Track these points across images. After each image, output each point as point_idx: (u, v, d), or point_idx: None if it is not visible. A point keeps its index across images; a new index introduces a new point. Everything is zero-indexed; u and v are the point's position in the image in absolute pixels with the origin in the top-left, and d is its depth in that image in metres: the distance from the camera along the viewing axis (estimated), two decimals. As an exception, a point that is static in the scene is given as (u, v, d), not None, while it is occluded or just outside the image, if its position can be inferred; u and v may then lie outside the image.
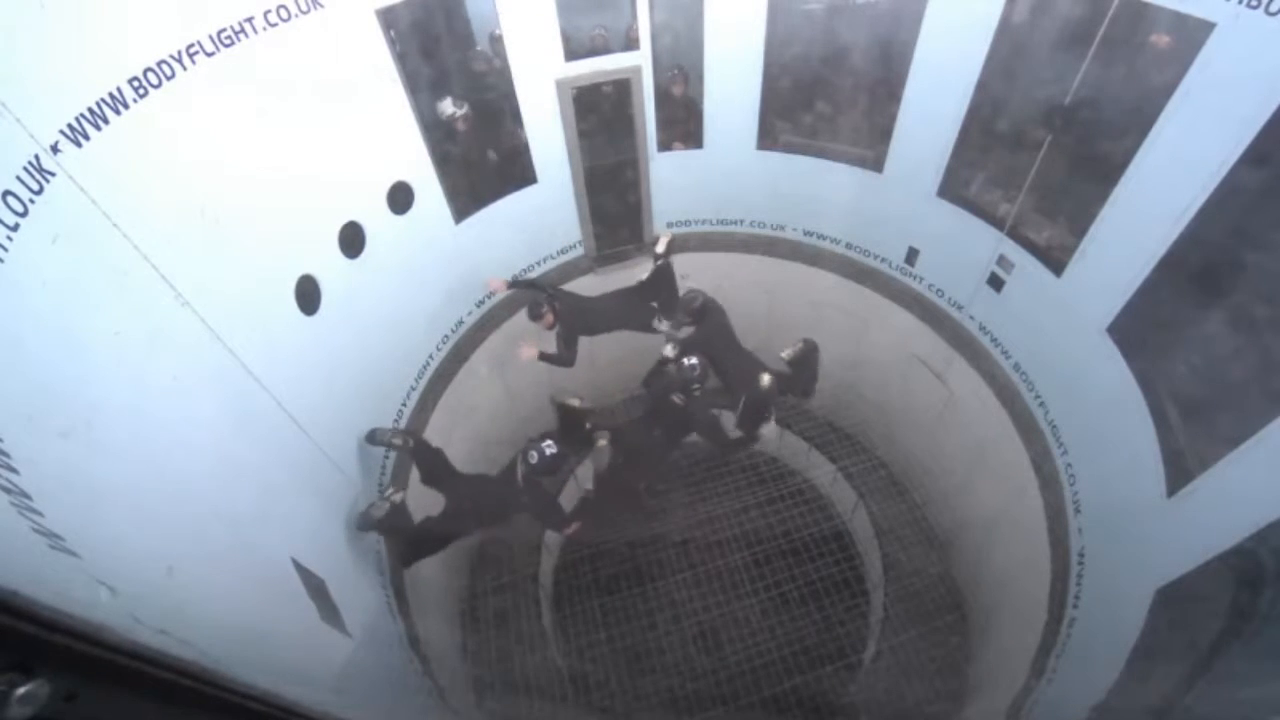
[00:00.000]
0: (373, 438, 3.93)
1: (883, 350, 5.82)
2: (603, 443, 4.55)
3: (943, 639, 5.37)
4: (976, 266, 4.57)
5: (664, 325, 4.82)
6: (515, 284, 4.91)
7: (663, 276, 4.83)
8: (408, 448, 4.04)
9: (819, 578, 6.08)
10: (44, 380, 1.82)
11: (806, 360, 4.79)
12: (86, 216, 2.11)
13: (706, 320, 4.57)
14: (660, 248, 4.70)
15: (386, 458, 4.28)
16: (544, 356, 4.56)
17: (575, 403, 4.59)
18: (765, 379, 4.43)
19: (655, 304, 4.88)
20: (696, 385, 4.37)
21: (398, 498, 3.89)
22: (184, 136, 2.56)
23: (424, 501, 4.16)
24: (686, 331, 4.72)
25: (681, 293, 4.73)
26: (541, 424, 5.80)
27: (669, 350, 4.63)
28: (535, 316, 4.43)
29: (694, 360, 4.32)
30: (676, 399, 4.48)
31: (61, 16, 2.04)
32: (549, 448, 3.84)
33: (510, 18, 4.16)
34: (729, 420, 5.04)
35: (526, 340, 4.65)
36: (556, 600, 6.10)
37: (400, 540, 4.07)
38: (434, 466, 4.10)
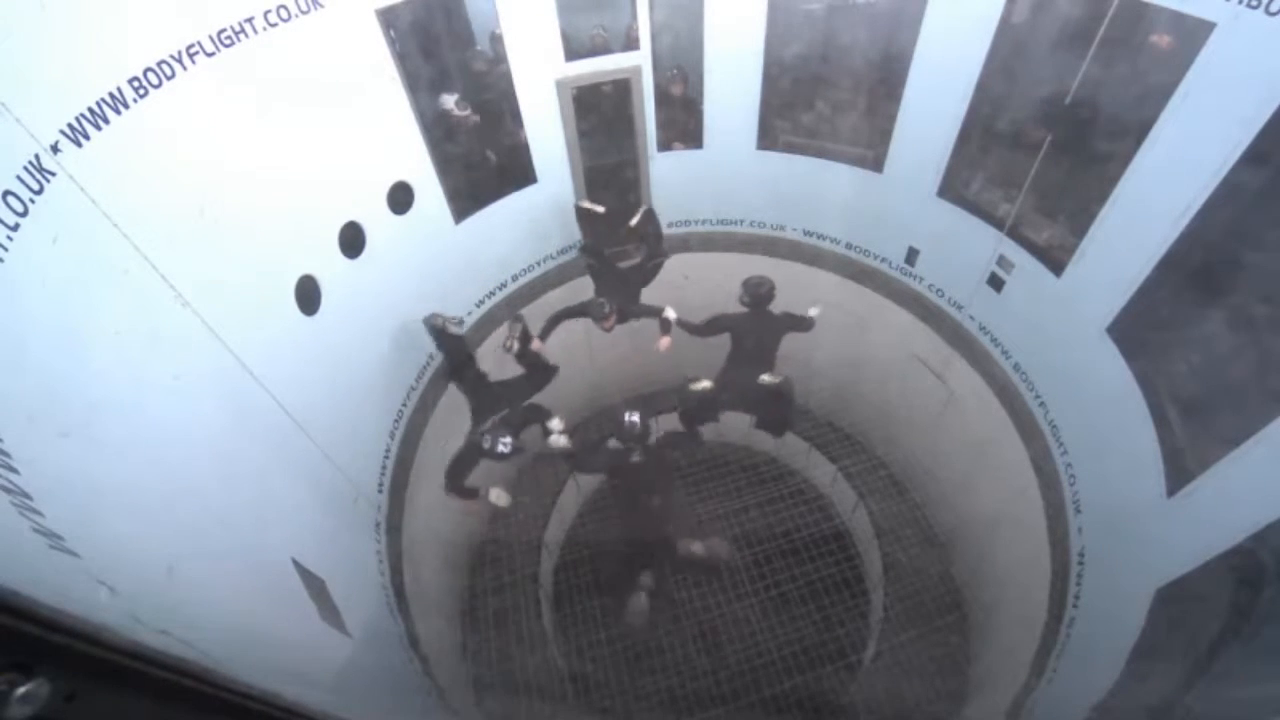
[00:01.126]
0: (430, 320, 4.32)
1: (883, 350, 5.82)
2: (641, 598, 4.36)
3: (943, 639, 5.37)
4: (976, 266, 4.57)
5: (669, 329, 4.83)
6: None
7: (647, 220, 5.02)
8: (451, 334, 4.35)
9: (819, 578, 6.08)
10: (44, 380, 1.82)
11: (777, 395, 4.53)
12: (86, 216, 2.11)
13: (756, 310, 4.61)
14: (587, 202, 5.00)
15: (387, 456, 4.29)
16: (687, 325, 4.78)
17: (587, 204, 4.82)
18: (700, 385, 4.40)
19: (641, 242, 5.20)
20: (634, 443, 4.15)
21: (457, 329, 4.20)
22: (184, 136, 2.56)
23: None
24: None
25: (752, 276, 4.71)
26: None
27: (669, 313, 4.71)
28: (602, 317, 4.55)
29: (634, 417, 4.13)
30: (635, 458, 4.22)
31: (61, 16, 2.04)
32: (503, 445, 3.90)
33: (510, 17, 4.16)
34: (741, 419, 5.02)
35: (658, 342, 4.81)
36: (556, 600, 6.10)
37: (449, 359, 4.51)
38: (462, 364, 4.44)
